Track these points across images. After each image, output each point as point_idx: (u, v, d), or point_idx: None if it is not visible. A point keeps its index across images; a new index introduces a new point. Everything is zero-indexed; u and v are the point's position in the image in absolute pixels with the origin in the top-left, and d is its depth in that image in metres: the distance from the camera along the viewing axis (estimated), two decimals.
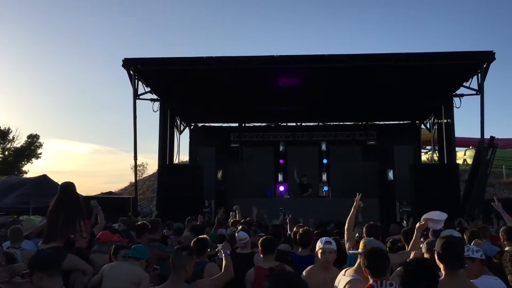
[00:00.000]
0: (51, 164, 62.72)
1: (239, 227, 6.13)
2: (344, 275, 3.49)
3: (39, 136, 35.31)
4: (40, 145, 35.38)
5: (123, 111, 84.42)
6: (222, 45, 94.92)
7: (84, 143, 76.82)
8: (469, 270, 3.44)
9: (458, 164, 16.39)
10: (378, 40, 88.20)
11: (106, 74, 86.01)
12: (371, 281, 3.04)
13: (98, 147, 75.40)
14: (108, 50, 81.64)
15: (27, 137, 34.73)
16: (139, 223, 6.88)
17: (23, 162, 34.67)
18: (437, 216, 4.76)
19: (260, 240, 4.73)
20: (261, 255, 4.61)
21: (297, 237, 5.40)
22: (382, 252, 3.31)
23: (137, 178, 16.06)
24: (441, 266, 3.16)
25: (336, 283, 3.56)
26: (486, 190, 14.53)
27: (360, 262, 3.31)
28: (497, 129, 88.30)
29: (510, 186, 22.16)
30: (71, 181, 5.33)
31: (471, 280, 3.29)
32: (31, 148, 34.64)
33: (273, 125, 19.94)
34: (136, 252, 4.50)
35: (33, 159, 35.00)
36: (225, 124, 19.96)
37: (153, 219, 8.47)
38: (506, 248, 4.71)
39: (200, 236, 5.18)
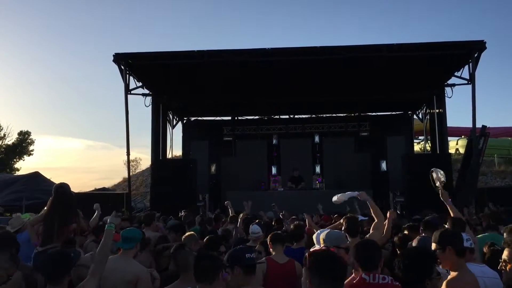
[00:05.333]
0: (44, 160, 62.52)
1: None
2: None
3: (30, 133, 35.08)
4: (32, 142, 35.16)
5: (117, 106, 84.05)
6: (214, 38, 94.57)
7: (78, 139, 76.27)
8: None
9: (450, 153, 16.50)
10: (369, 31, 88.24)
11: (99, 69, 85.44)
12: (362, 274, 2.95)
13: (92, 143, 75.16)
14: (100, 44, 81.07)
15: (18, 134, 34.49)
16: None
17: (14, 160, 34.41)
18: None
19: (270, 235, 4.68)
20: (271, 249, 4.56)
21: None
22: (374, 244, 3.22)
23: (130, 173, 15.99)
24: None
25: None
26: (478, 179, 14.63)
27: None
28: (489, 118, 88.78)
29: (502, 174, 22.33)
30: (61, 178, 5.36)
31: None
32: (22, 145, 34.38)
33: (266, 118, 19.93)
34: (124, 242, 4.01)
35: (24, 156, 34.77)
36: (218, 118, 19.94)
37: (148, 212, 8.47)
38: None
39: (212, 235, 5.11)
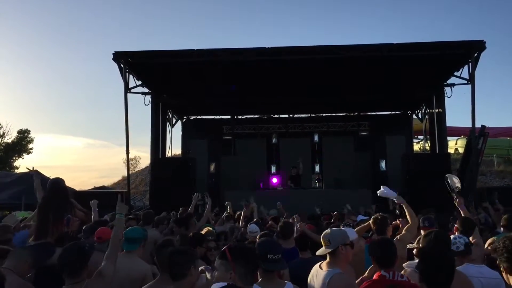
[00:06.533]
0: (43, 159, 62.29)
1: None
2: (321, 269, 3.34)
3: (29, 131, 34.95)
4: (31, 140, 35.03)
5: (117, 105, 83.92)
6: (215, 37, 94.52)
7: (78, 138, 76.15)
8: None
9: (449, 153, 16.50)
10: (369, 30, 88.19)
11: (99, 68, 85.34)
12: (381, 271, 3.03)
13: (92, 142, 74.94)
14: (100, 43, 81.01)
15: (17, 132, 34.41)
16: None
17: (14, 158, 34.35)
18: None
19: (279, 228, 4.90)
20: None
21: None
22: (389, 243, 3.31)
23: (130, 172, 15.98)
24: None
25: (311, 278, 3.41)
26: (477, 178, 14.64)
27: (338, 252, 3.31)
28: (488, 118, 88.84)
29: (501, 174, 22.34)
30: (60, 177, 5.33)
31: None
32: (22, 144, 34.31)
33: (265, 117, 19.92)
34: (128, 244, 4.05)
35: (24, 154, 34.70)
36: (217, 117, 19.92)
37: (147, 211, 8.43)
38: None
39: (196, 232, 5.09)
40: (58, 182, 5.36)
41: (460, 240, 3.67)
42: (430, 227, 4.64)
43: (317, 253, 3.50)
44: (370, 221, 4.89)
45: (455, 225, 4.66)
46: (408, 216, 4.67)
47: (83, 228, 5.66)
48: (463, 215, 4.89)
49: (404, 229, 4.65)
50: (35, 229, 5.03)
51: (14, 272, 3.49)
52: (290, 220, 7.64)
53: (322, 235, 3.46)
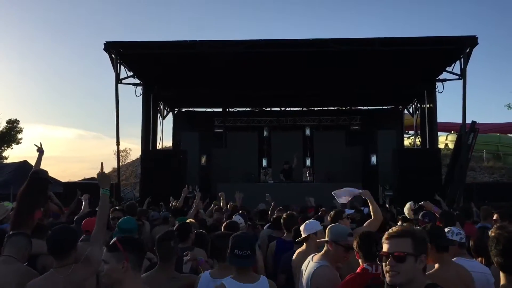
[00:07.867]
0: (33, 149, 61.43)
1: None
2: (312, 260, 3.42)
3: (19, 121, 34.59)
4: (20, 130, 34.72)
5: (109, 96, 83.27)
6: (208, 29, 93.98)
7: (69, 129, 75.72)
8: (448, 252, 3.45)
9: (440, 148, 16.57)
10: (362, 24, 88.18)
11: (92, 58, 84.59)
12: (364, 264, 3.04)
13: (83, 133, 74.64)
14: (92, 34, 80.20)
15: (6, 122, 34.06)
16: None
17: (3, 148, 34.02)
18: (343, 192, 5.02)
19: (224, 225, 4.70)
20: None
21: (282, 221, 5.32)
22: (371, 236, 3.29)
23: (120, 163, 15.89)
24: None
25: (303, 267, 3.48)
26: (467, 174, 14.73)
27: (328, 249, 3.37)
28: (478, 114, 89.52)
29: (490, 170, 22.53)
30: (49, 167, 5.25)
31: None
32: (11, 134, 33.97)
33: (257, 110, 19.88)
34: (122, 234, 3.99)
35: (13, 144, 34.37)
36: (209, 109, 19.85)
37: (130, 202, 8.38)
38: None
39: (183, 222, 5.09)
40: (38, 173, 5.29)
41: (462, 232, 3.72)
42: (429, 223, 4.64)
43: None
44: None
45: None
46: (371, 212, 4.57)
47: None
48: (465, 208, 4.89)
49: (365, 224, 4.57)
50: (12, 219, 5.00)
51: (17, 260, 3.44)
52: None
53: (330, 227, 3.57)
